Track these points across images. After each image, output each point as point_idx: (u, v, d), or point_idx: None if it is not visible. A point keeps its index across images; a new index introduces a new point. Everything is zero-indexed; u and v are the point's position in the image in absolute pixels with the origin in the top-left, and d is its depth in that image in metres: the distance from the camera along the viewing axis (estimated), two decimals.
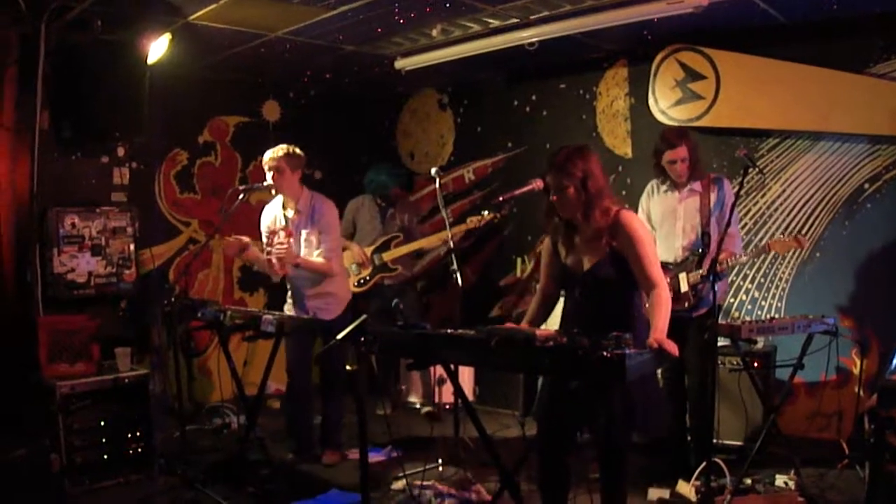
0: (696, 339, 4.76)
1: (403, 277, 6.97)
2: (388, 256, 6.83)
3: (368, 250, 6.85)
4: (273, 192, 5.47)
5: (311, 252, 5.47)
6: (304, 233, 5.47)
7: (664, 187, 5.16)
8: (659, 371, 4.91)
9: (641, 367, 3.09)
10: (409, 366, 3.84)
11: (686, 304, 4.87)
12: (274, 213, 5.62)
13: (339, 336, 3.33)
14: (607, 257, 3.57)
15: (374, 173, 7.06)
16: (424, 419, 6.72)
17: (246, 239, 5.33)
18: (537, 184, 3.79)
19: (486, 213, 6.37)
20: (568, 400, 3.50)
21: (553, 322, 3.89)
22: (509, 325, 3.68)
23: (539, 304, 3.91)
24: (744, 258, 5.04)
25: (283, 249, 5.26)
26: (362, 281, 6.84)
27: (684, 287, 4.87)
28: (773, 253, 5.31)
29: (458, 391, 4.08)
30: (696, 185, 5.03)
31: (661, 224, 5.10)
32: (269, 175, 5.39)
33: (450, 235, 5.49)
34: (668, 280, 4.59)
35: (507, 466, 3.77)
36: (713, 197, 4.98)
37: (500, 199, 3.70)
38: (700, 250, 4.91)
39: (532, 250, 7.24)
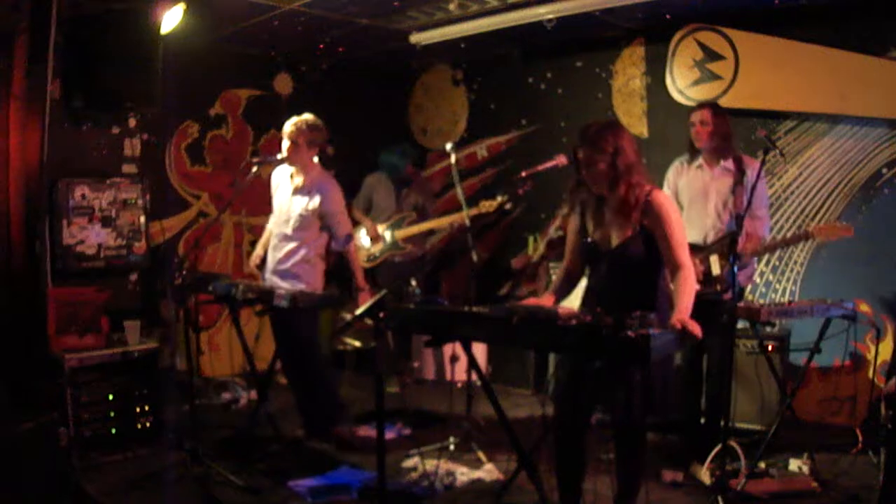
0: (721, 322, 4.69)
1: (414, 255, 6.97)
2: (400, 234, 6.84)
3: (381, 227, 6.87)
4: (287, 164, 5.40)
5: (302, 216, 5.34)
6: (301, 203, 5.37)
7: (696, 163, 5.05)
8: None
9: (665, 348, 3.06)
10: (427, 342, 3.80)
11: (717, 287, 4.78)
12: (280, 180, 5.53)
13: (358, 312, 3.29)
14: (637, 235, 3.54)
15: (386, 155, 7.07)
16: (437, 397, 6.65)
17: None
18: (560, 160, 3.75)
19: (499, 197, 6.31)
20: (588, 380, 3.47)
21: (569, 302, 3.85)
22: (533, 300, 3.64)
23: (562, 279, 3.88)
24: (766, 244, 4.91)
25: None
26: (372, 257, 6.87)
27: (716, 270, 4.78)
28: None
29: (475, 367, 4.04)
30: (729, 164, 4.93)
31: (692, 203, 5.01)
32: (284, 144, 5.29)
33: (464, 216, 5.44)
34: (700, 262, 4.54)
35: (522, 446, 3.74)
36: (745, 177, 4.86)
37: (523, 174, 3.65)
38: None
39: (544, 230, 7.20)
